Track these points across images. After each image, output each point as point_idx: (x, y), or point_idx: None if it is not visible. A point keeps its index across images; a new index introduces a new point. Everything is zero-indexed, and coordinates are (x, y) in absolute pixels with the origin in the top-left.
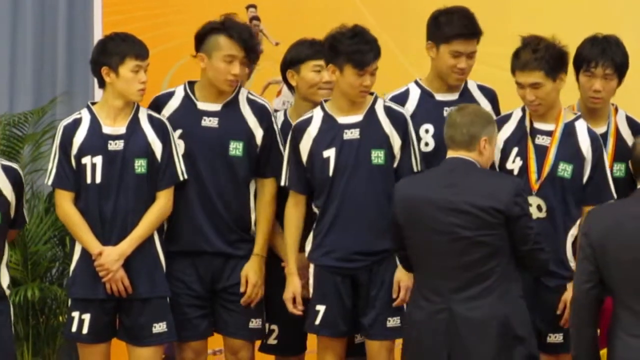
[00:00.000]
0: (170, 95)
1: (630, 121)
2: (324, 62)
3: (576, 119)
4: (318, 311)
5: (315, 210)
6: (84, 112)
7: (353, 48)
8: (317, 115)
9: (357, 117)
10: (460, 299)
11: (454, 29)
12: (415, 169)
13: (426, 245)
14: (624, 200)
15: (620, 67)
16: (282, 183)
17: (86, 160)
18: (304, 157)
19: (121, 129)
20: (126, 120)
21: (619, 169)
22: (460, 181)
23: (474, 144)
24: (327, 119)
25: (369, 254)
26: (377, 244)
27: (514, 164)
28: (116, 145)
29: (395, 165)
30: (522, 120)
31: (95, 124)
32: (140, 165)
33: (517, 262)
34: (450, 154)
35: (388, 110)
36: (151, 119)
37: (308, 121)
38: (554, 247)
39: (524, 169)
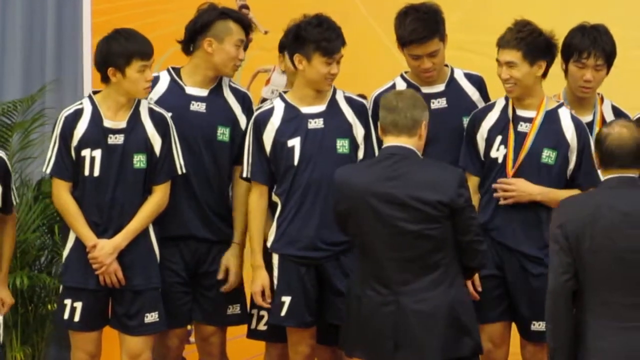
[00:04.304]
0: (155, 80)
1: (615, 110)
2: (287, 52)
3: (559, 106)
4: (284, 302)
5: (276, 199)
6: (86, 102)
7: (321, 36)
8: (279, 106)
9: (320, 107)
10: (408, 292)
11: (405, 35)
12: None
13: (371, 237)
14: (597, 191)
15: (609, 57)
16: (245, 175)
17: (86, 152)
18: (267, 147)
19: (122, 123)
20: (127, 114)
21: None
22: (403, 173)
23: (416, 128)
24: (290, 109)
25: (333, 244)
26: (341, 234)
27: (498, 152)
28: (116, 139)
29: (358, 154)
30: (505, 109)
31: (96, 116)
32: (139, 160)
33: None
34: (391, 140)
35: (349, 100)
36: (152, 113)
37: (270, 112)
38: (539, 232)
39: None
